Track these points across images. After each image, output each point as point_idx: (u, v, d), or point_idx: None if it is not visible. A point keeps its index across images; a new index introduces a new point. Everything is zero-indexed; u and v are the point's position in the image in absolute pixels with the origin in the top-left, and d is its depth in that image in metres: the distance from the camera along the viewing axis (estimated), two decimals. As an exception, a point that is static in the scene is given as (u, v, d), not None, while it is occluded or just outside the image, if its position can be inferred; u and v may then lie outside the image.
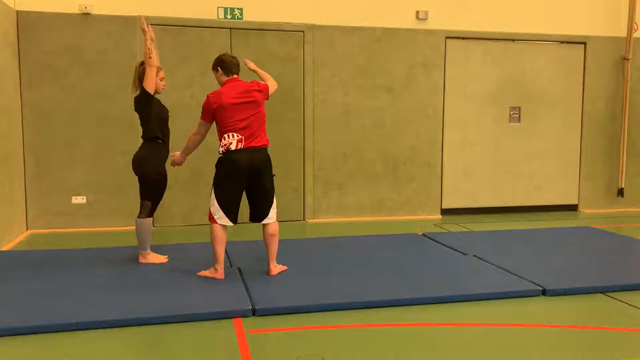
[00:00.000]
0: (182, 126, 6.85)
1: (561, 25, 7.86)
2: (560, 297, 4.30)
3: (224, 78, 4.54)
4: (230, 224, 4.48)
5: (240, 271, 4.71)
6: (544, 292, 4.35)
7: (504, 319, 3.91)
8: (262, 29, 6.96)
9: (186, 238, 6.19)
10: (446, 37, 7.52)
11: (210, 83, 6.89)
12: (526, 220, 7.47)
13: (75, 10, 6.47)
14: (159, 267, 4.83)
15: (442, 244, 5.76)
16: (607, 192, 8.26)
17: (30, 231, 6.49)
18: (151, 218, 4.97)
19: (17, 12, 6.31)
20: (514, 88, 7.86)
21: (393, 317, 3.89)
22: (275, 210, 4.59)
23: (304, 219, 7.28)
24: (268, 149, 4.58)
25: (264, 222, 4.55)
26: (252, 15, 6.91)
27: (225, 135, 4.39)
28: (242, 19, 6.90)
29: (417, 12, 7.36)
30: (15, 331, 3.52)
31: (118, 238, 6.18)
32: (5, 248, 5.70)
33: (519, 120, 7.92)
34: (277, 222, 4.61)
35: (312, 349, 3.36)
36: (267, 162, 4.50)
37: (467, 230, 6.82)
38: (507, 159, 7.92)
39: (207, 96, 4.46)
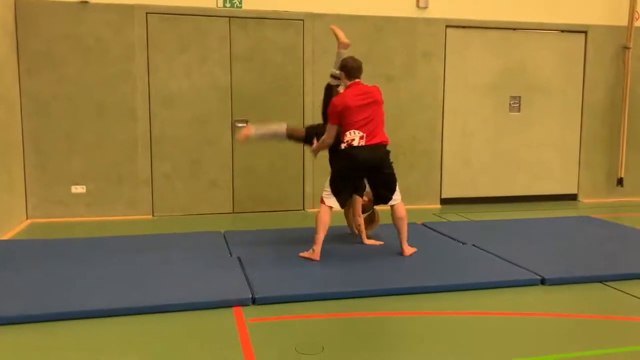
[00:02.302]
0: (180, 116, 6.85)
1: (562, 14, 7.81)
2: (559, 286, 4.31)
3: (347, 82, 4.88)
4: (338, 207, 4.80)
5: (240, 260, 4.72)
6: (543, 281, 4.36)
7: (502, 308, 3.93)
8: (261, 17, 6.93)
9: (186, 227, 6.20)
10: (446, 26, 7.48)
11: (209, 71, 6.89)
12: (525, 209, 7.48)
13: (73, -2, 6.44)
14: (158, 257, 4.84)
15: (442, 234, 5.76)
16: (607, 182, 8.25)
17: (29, 220, 6.49)
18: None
19: (15, 0, 6.27)
20: (514, 77, 7.84)
21: (392, 305, 3.91)
22: (399, 194, 4.87)
23: (303, 209, 7.28)
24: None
25: (390, 204, 4.85)
26: (252, 3, 6.87)
27: (348, 133, 4.70)
28: (241, 7, 6.86)
29: (417, 0, 7.31)
30: (14, 320, 3.53)
31: (118, 227, 6.19)
32: (4, 237, 5.71)
33: (519, 109, 7.90)
34: (403, 205, 4.90)
35: (311, 338, 3.37)
36: (386, 157, 4.80)
37: (467, 219, 6.83)
38: (506, 148, 7.91)
39: (332, 100, 4.81)
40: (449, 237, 5.63)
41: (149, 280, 4.23)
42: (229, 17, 6.86)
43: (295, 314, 3.74)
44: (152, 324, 3.58)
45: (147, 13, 6.62)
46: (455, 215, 7.05)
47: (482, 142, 7.82)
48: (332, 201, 4.77)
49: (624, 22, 7.97)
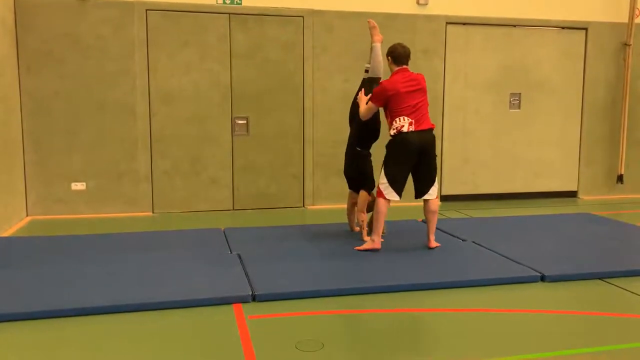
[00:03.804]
0: (180, 113, 6.85)
1: (562, 11, 7.80)
2: (559, 283, 4.32)
3: (394, 67, 4.97)
4: (397, 198, 4.88)
5: (240, 257, 4.72)
6: (543, 278, 4.37)
7: (502, 305, 3.93)
8: (261, 14, 6.92)
9: (186, 225, 6.20)
10: (447, 23, 7.47)
11: (209, 68, 6.88)
12: (525, 207, 7.48)
13: (73, -5, 6.43)
14: (158, 254, 4.84)
15: (442, 230, 5.75)
16: (607, 179, 8.25)
17: (30, 217, 6.50)
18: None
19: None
20: (514, 74, 7.83)
21: (392, 302, 3.91)
22: (437, 188, 5.00)
23: (303, 206, 7.28)
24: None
25: (426, 197, 4.95)
26: (251, 0, 6.87)
27: (397, 119, 4.82)
28: (241, 4, 6.85)
29: (418, -3, 7.32)
30: (14, 317, 3.53)
31: (117, 224, 6.19)
32: (4, 234, 5.71)
33: (519, 106, 7.90)
34: (437, 200, 5.05)
35: (311, 334, 3.38)
36: (434, 143, 4.95)
37: (467, 216, 6.83)
38: (507, 145, 7.90)
39: (382, 84, 4.93)
40: (449, 234, 5.62)
41: (149, 277, 4.24)
42: (229, 13, 6.85)
43: (295, 310, 3.75)
44: (152, 321, 3.58)
45: (147, 10, 6.61)
46: (456, 212, 7.05)
47: (482, 139, 7.81)
48: (391, 194, 4.83)
49: (624, 19, 7.96)
